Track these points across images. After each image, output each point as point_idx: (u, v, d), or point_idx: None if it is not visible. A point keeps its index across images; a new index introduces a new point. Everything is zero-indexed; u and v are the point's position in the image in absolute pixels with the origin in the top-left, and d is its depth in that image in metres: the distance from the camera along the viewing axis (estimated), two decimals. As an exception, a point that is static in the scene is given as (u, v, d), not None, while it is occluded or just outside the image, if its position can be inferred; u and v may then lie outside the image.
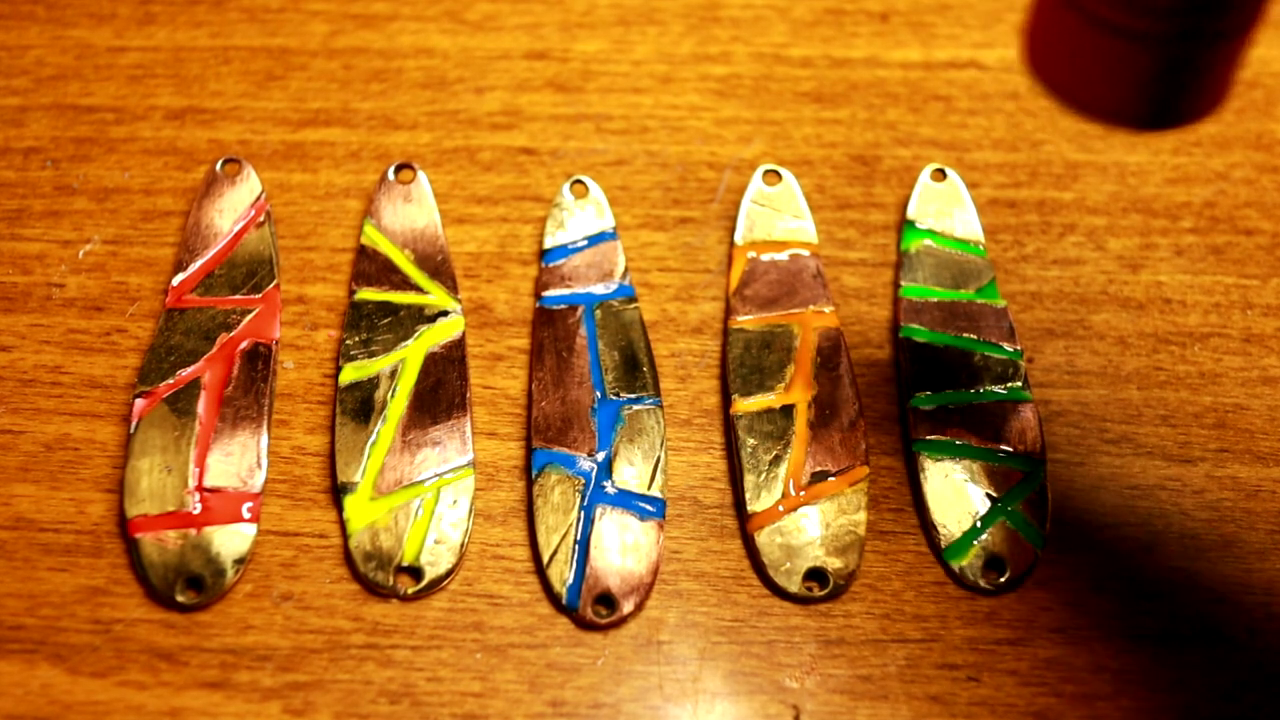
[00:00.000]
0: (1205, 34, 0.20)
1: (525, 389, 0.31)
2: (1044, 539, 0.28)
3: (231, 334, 0.30)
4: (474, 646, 0.27)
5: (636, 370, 0.30)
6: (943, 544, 0.28)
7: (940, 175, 0.34)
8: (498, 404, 0.31)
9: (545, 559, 0.28)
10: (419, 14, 0.37)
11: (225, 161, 0.33)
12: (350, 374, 0.30)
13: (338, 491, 0.29)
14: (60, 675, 0.27)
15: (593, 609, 0.27)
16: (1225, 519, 0.29)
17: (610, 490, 0.28)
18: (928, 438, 0.29)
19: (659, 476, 0.29)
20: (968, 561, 0.28)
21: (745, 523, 0.29)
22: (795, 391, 0.30)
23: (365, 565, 0.28)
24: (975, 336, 0.31)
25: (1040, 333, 0.32)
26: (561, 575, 0.28)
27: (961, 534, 0.28)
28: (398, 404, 0.30)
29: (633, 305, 0.32)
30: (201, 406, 0.29)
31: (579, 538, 0.28)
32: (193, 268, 0.32)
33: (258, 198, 0.33)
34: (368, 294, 0.31)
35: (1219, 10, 0.20)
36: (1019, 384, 0.30)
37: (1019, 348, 0.31)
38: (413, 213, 0.33)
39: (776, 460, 0.29)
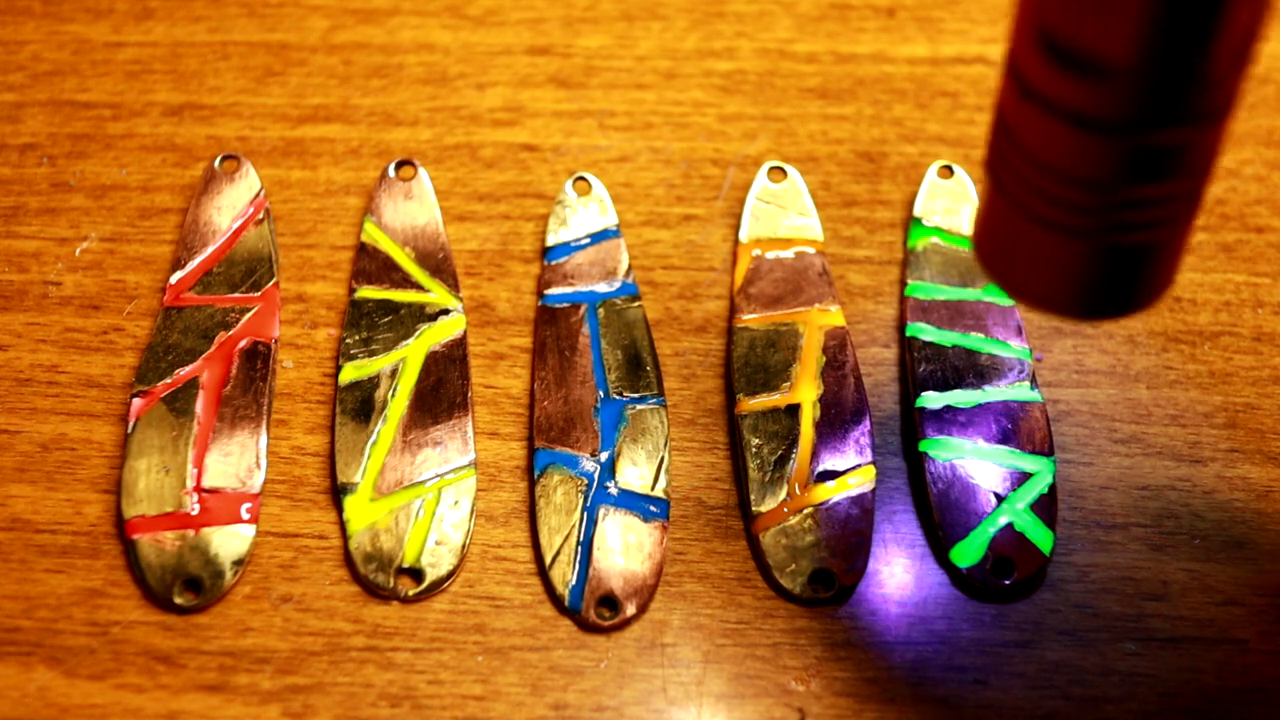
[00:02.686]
0: (1142, 227, 0.21)
1: (527, 388, 0.31)
2: (1052, 540, 0.28)
3: (230, 333, 0.30)
4: (475, 649, 0.27)
5: (640, 369, 0.30)
6: (949, 545, 0.28)
7: (948, 172, 0.33)
8: (499, 403, 0.30)
9: (547, 560, 0.28)
10: (420, 9, 0.37)
11: (224, 158, 0.33)
12: (350, 373, 0.30)
13: (337, 492, 0.28)
14: (57, 678, 0.27)
15: (595, 611, 0.27)
16: (1236, 520, 0.29)
17: (613, 491, 0.28)
18: (934, 437, 0.29)
19: (663, 477, 0.29)
20: (975, 563, 0.28)
21: (750, 524, 0.28)
22: (800, 391, 0.30)
23: (365, 567, 0.28)
24: (983, 335, 0.31)
25: (1048, 331, 0.31)
26: (564, 577, 0.27)
27: (969, 535, 0.28)
28: (398, 404, 0.29)
29: (636, 304, 0.31)
30: (200, 406, 0.29)
31: (582, 539, 0.28)
32: (191, 266, 0.31)
33: (256, 195, 0.33)
34: (368, 292, 0.31)
35: (1153, 206, 0.21)
36: (1027, 383, 0.30)
37: (1027, 346, 0.31)
38: (413, 210, 0.33)
39: (782, 460, 0.29)
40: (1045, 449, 0.29)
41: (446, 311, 0.31)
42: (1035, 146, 0.21)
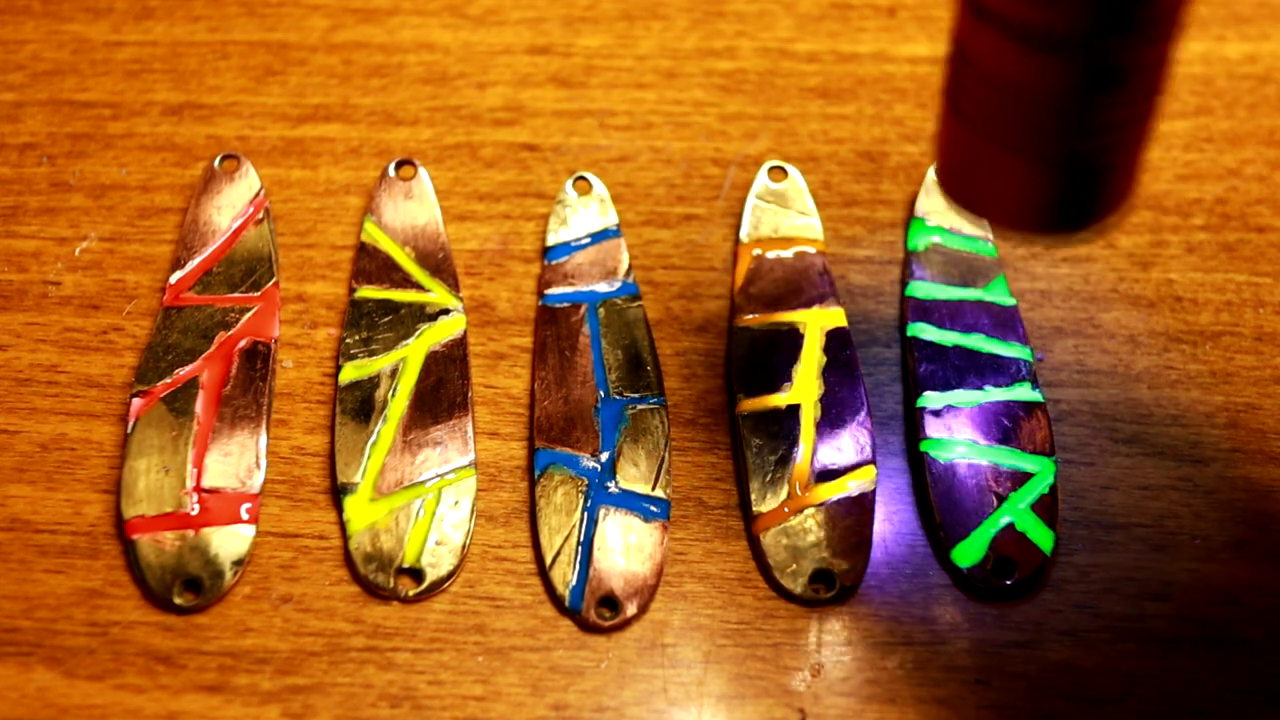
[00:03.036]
0: (1099, 139, 0.21)
1: (528, 388, 0.31)
2: (1054, 540, 0.28)
3: (230, 332, 0.30)
4: (476, 649, 0.27)
5: (640, 369, 0.30)
6: (950, 545, 0.28)
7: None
8: (500, 403, 0.30)
9: (548, 560, 0.28)
10: (420, 8, 0.37)
11: (224, 158, 0.33)
12: (350, 373, 0.30)
13: (337, 492, 0.28)
14: (56, 678, 0.26)
15: (596, 611, 0.27)
16: (1238, 520, 0.29)
17: (614, 491, 0.28)
18: (935, 437, 0.29)
19: (663, 477, 0.28)
20: (976, 563, 0.28)
21: (750, 524, 0.28)
22: (801, 391, 0.30)
23: (365, 567, 0.27)
24: (984, 335, 0.31)
25: (1050, 331, 0.31)
26: (564, 577, 0.27)
27: (970, 535, 0.28)
28: (398, 403, 0.29)
29: (636, 303, 0.31)
30: (199, 406, 0.29)
31: (582, 539, 0.28)
32: (190, 265, 0.31)
33: (256, 194, 0.33)
34: (368, 292, 0.31)
35: (1109, 118, 0.21)
36: (1028, 383, 0.30)
37: (1028, 346, 0.31)
38: (414, 210, 0.33)
39: (782, 461, 0.29)
40: (1046, 449, 0.29)
41: (447, 311, 0.31)
42: (989, 67, 0.21)
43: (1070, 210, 0.22)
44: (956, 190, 0.23)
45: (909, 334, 0.31)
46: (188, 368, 0.30)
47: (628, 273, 0.32)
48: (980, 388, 0.30)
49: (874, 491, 0.28)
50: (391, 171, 0.33)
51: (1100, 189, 0.22)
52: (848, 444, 0.29)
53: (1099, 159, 0.22)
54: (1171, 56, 0.21)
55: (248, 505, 0.28)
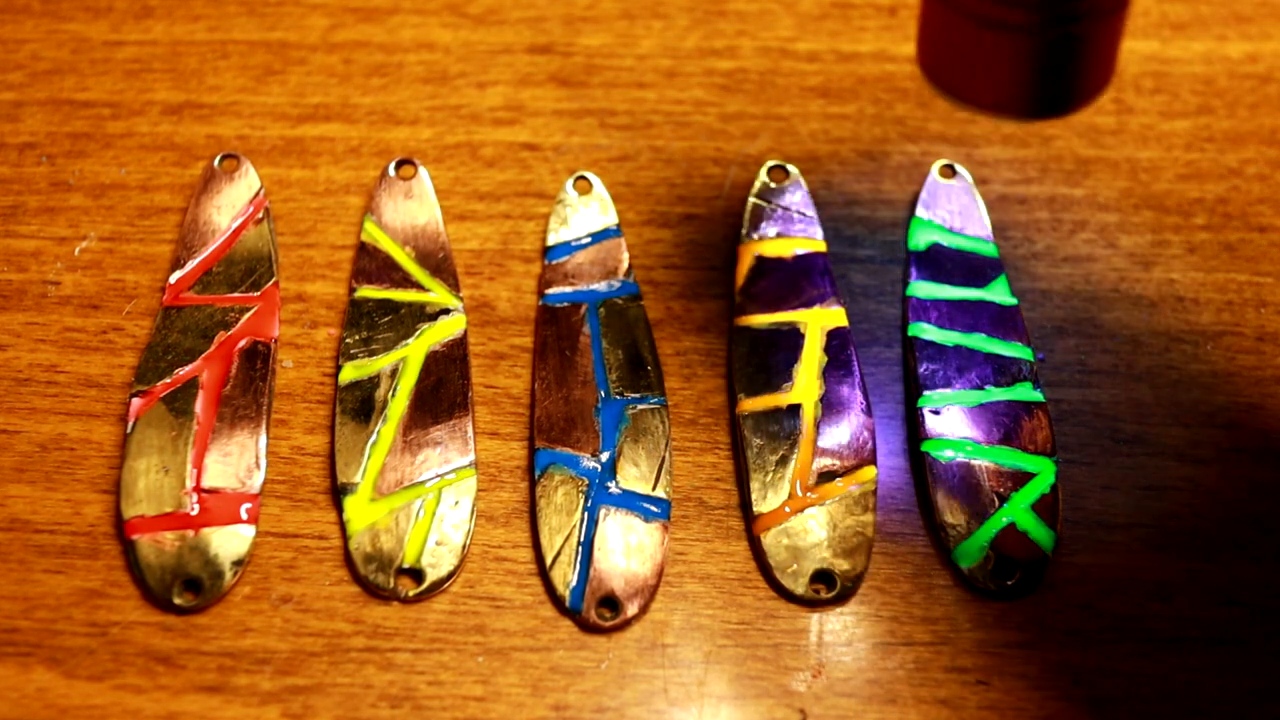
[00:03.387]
0: (1076, 17, 0.21)
1: (528, 388, 0.31)
2: (1055, 541, 0.28)
3: (230, 332, 0.30)
4: (476, 649, 0.27)
5: (641, 369, 0.30)
6: (952, 545, 0.28)
7: (949, 171, 0.33)
8: (500, 403, 0.30)
9: (548, 561, 0.28)
10: (420, 7, 0.37)
11: (223, 157, 0.33)
12: (350, 373, 0.30)
13: (337, 492, 0.28)
14: (56, 679, 0.26)
15: (596, 611, 0.27)
16: (1239, 520, 0.29)
17: (614, 491, 0.28)
18: (936, 437, 0.29)
19: (664, 477, 0.28)
20: (977, 563, 0.28)
21: (751, 524, 0.28)
22: (802, 391, 0.30)
23: (365, 567, 0.27)
24: (985, 335, 0.31)
25: (1051, 331, 0.31)
26: (565, 577, 0.27)
27: (971, 535, 0.28)
28: (398, 403, 0.29)
29: (637, 303, 0.31)
30: (199, 406, 0.29)
31: (582, 539, 0.28)
32: (190, 265, 0.31)
33: (256, 194, 0.33)
34: (368, 292, 0.31)
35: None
36: (1029, 383, 0.30)
37: (1029, 346, 0.30)
38: (414, 209, 0.33)
39: (783, 460, 0.29)
40: (1047, 449, 0.29)
41: (447, 311, 0.31)
42: None
43: (1048, 94, 0.22)
44: (940, 77, 0.23)
45: (910, 334, 0.31)
46: (187, 368, 0.30)
47: (628, 272, 0.32)
48: (981, 387, 0.30)
49: (875, 491, 0.28)
50: (391, 171, 0.33)
51: (1078, 73, 0.22)
52: (848, 444, 0.29)
53: (1076, 40, 0.21)
54: None
55: (247, 505, 0.28)
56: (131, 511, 0.28)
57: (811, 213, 0.33)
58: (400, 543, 0.28)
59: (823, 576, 0.28)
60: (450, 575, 0.28)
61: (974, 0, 0.21)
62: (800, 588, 0.27)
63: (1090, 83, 0.22)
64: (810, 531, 0.28)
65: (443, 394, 0.30)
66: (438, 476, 0.28)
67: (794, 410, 0.29)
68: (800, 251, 0.32)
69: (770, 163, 0.33)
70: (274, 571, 0.28)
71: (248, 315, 0.31)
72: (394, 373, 0.30)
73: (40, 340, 0.31)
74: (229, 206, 0.33)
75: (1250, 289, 0.32)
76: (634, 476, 0.28)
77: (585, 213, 0.33)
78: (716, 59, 0.36)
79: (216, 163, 0.33)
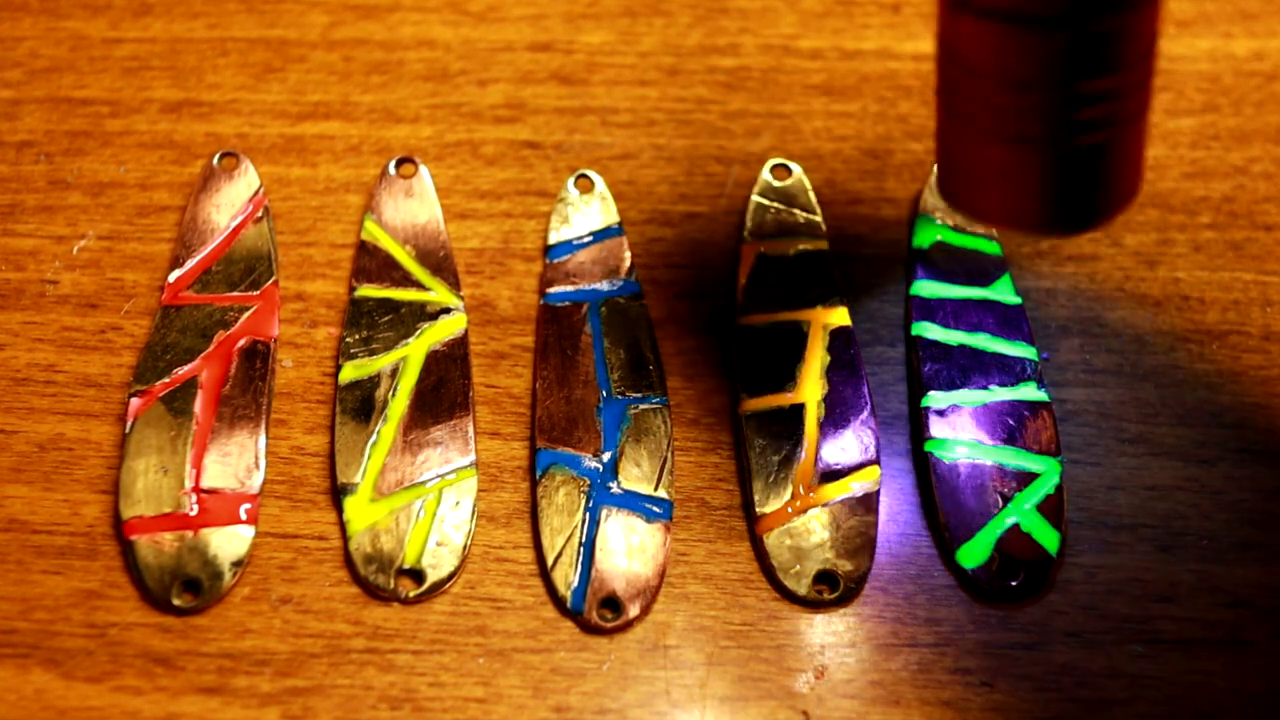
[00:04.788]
0: (1095, 127, 0.21)
1: (529, 388, 0.30)
2: (1059, 541, 0.28)
3: (229, 332, 0.30)
4: (477, 651, 0.27)
5: (643, 369, 0.30)
6: (955, 546, 0.28)
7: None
8: (501, 403, 0.30)
9: (549, 561, 0.27)
10: (420, 5, 0.37)
11: (223, 155, 0.33)
12: (350, 372, 0.30)
13: (337, 492, 0.28)
14: (54, 680, 0.26)
15: (598, 612, 0.27)
16: (1245, 520, 0.29)
17: (616, 491, 0.28)
18: (940, 437, 0.29)
19: (665, 477, 0.28)
20: (981, 564, 0.27)
21: (754, 524, 0.28)
22: (805, 390, 0.29)
23: (366, 568, 0.27)
24: (989, 334, 0.30)
25: (1055, 330, 0.31)
26: (566, 578, 0.27)
27: (975, 536, 0.28)
28: (399, 403, 0.29)
29: (639, 302, 0.31)
30: (198, 406, 0.29)
31: (584, 540, 0.27)
32: (189, 264, 0.31)
33: (256, 192, 0.33)
34: (368, 291, 0.31)
35: (1102, 102, 0.21)
36: (1034, 383, 0.30)
37: (1034, 345, 0.30)
38: (414, 208, 0.33)
39: (786, 461, 0.28)
40: (1052, 449, 0.29)
41: (447, 310, 0.31)
42: (975, 59, 0.21)
43: (1073, 207, 0.22)
44: (958, 195, 0.23)
45: (913, 333, 0.31)
46: (186, 367, 0.29)
47: (630, 271, 0.32)
48: (985, 387, 0.30)
49: (878, 492, 0.28)
50: (392, 169, 0.33)
51: (1102, 184, 0.22)
52: (852, 444, 0.29)
53: (1097, 151, 0.21)
54: (1159, 29, 0.21)
55: (247, 506, 0.28)
56: (130, 512, 0.28)
57: (814, 211, 0.33)
58: (401, 543, 0.28)
59: (825, 577, 0.27)
60: (451, 576, 0.27)
61: (984, 114, 0.21)
62: (803, 589, 0.27)
63: (1115, 195, 0.22)
64: (813, 532, 0.28)
65: (443, 394, 0.29)
66: (438, 477, 0.28)
67: (797, 410, 0.29)
68: (803, 250, 0.32)
69: (773, 161, 0.33)
70: (273, 572, 0.28)
71: (247, 314, 0.30)
72: (394, 372, 0.30)
73: (38, 340, 0.31)
74: (228, 205, 0.32)
75: (1256, 288, 0.32)
76: (636, 477, 0.28)
77: (587, 211, 0.33)
78: (719, 56, 0.36)
79: (216, 161, 0.33)
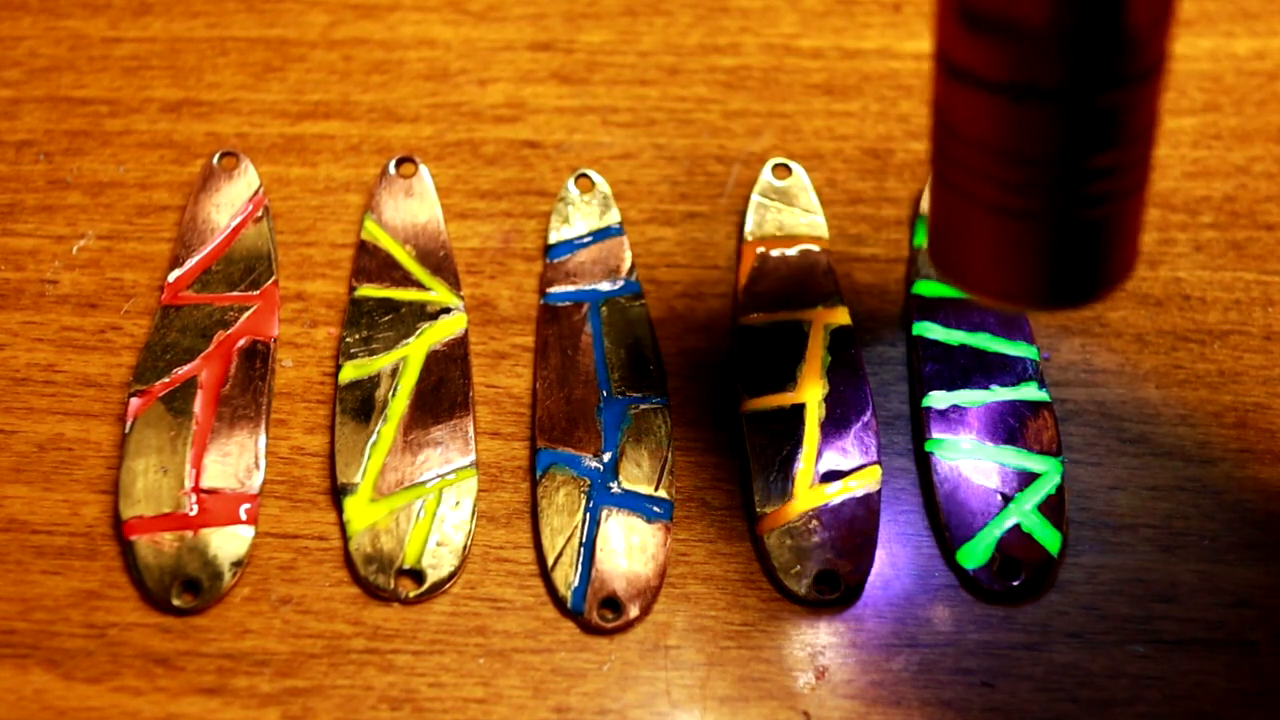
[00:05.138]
0: (1092, 202, 0.20)
1: (529, 388, 0.30)
2: (1060, 541, 0.28)
3: (229, 331, 0.30)
4: (477, 651, 0.27)
5: (643, 369, 0.30)
6: (956, 546, 0.28)
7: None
8: (501, 403, 0.30)
9: (550, 562, 0.27)
10: (420, 4, 0.37)
11: (222, 155, 0.33)
12: (350, 372, 0.30)
13: (337, 493, 0.28)
14: (54, 681, 0.26)
15: (598, 613, 0.27)
16: (1246, 520, 0.28)
17: (616, 491, 0.28)
18: (941, 437, 0.29)
19: (666, 477, 0.28)
20: (982, 564, 0.27)
21: (754, 524, 0.28)
22: (806, 390, 0.29)
23: (366, 568, 0.27)
24: (990, 334, 0.30)
25: (1056, 330, 0.31)
26: (566, 578, 0.27)
27: (976, 536, 0.28)
28: (399, 403, 0.29)
29: (639, 302, 0.31)
30: (198, 406, 0.29)
31: (584, 540, 0.27)
32: (189, 264, 0.31)
33: (255, 192, 0.33)
34: (368, 291, 0.31)
35: (1101, 178, 0.20)
36: (1034, 383, 0.30)
37: (1035, 345, 0.30)
38: (414, 207, 0.33)
39: (786, 461, 0.28)
40: (1053, 449, 0.29)
41: (447, 310, 0.31)
42: (972, 130, 0.20)
43: (1069, 281, 0.22)
44: (950, 266, 0.22)
45: (914, 333, 0.31)
46: (186, 367, 0.29)
47: (630, 271, 0.32)
48: (986, 387, 0.30)
49: (879, 492, 0.28)
50: (392, 169, 0.33)
51: (1100, 257, 0.22)
52: (852, 444, 0.29)
53: (1096, 226, 0.21)
54: (1160, 104, 0.21)
55: (247, 506, 0.28)
56: (130, 512, 0.28)
57: (815, 211, 0.33)
58: (401, 543, 0.27)
59: (826, 578, 0.27)
60: (451, 576, 0.27)
61: (978, 185, 0.20)
62: (804, 589, 0.27)
63: (1112, 270, 0.22)
64: (814, 532, 0.28)
65: (443, 394, 0.29)
66: (438, 477, 0.28)
67: (797, 410, 0.29)
68: (804, 250, 0.32)
69: (774, 160, 0.33)
70: (273, 572, 0.28)
71: (247, 314, 0.30)
72: (394, 372, 0.30)
73: (38, 339, 0.31)
74: (228, 205, 0.32)
75: (1258, 287, 0.32)
76: (636, 477, 0.28)
77: (587, 211, 0.33)
78: (719, 56, 0.36)
79: (215, 160, 0.33)
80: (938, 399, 0.29)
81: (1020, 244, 0.21)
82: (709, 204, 0.33)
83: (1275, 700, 0.26)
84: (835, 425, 0.29)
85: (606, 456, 0.29)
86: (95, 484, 0.29)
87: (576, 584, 0.27)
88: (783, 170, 0.33)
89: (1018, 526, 0.28)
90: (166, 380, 0.29)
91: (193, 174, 0.34)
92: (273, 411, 0.30)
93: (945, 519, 0.28)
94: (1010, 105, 0.20)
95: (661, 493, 0.28)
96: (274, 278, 0.31)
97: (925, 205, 0.33)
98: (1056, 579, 0.28)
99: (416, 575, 0.27)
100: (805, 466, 0.28)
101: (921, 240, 0.32)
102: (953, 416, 0.29)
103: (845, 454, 0.29)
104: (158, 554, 0.27)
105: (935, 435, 0.29)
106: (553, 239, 0.32)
